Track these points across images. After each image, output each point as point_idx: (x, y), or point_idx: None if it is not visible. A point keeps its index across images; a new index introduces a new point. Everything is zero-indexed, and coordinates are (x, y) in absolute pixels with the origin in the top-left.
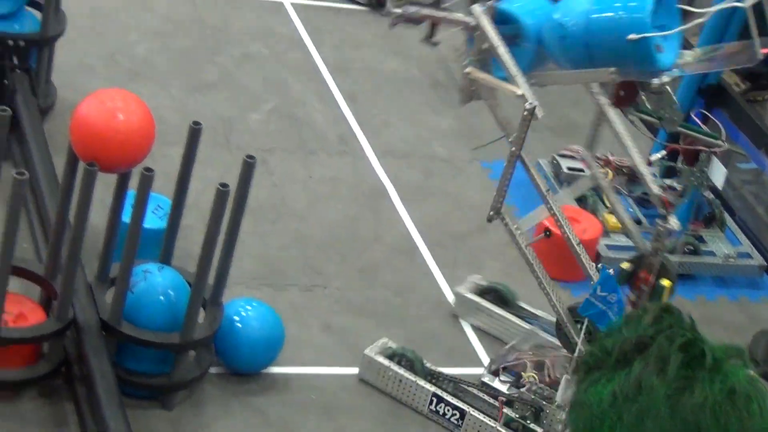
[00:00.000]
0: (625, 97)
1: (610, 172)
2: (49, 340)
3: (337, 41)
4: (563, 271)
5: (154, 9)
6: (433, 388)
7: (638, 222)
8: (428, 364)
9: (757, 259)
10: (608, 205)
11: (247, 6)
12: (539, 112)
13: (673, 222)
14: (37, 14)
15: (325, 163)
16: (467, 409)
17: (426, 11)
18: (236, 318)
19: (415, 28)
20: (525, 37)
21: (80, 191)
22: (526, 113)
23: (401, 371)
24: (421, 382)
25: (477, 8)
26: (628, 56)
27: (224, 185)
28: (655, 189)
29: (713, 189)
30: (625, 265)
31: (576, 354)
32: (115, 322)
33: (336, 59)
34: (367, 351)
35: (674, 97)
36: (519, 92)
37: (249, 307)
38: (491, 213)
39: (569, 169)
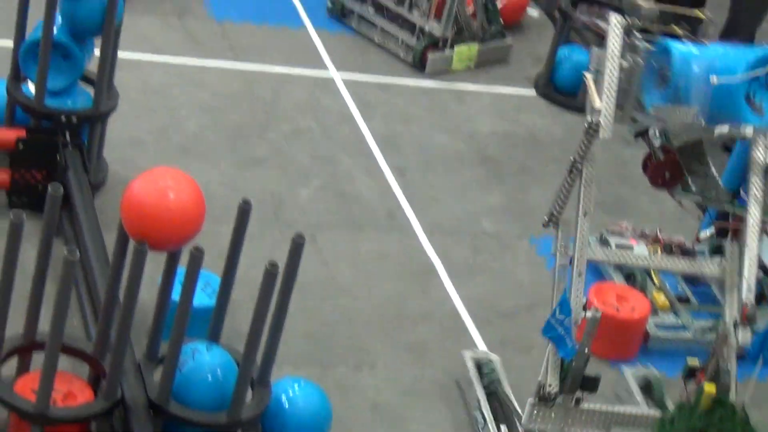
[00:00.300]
0: (671, 179)
1: (659, 249)
2: (97, 419)
3: (386, 116)
4: (610, 349)
5: (205, 85)
6: None
7: (686, 300)
8: None
9: None
10: (656, 282)
11: (297, 81)
12: (603, 132)
13: (744, 337)
14: (90, 90)
15: (374, 239)
16: None
17: None
18: (283, 398)
19: (464, 105)
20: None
21: (130, 270)
22: (587, 126)
23: None
24: None
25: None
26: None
27: (273, 265)
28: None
29: (763, 267)
30: (692, 363)
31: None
32: (163, 402)
33: (385, 134)
34: None
35: (719, 179)
36: (597, 105)
37: (296, 387)
38: (546, 218)
39: (618, 246)
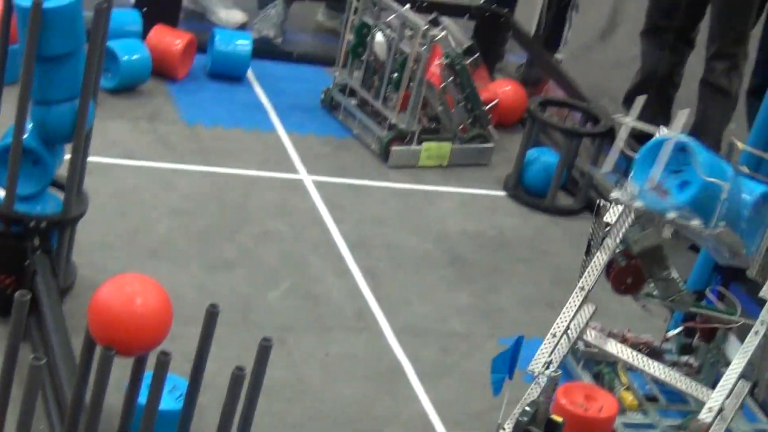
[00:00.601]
0: (633, 284)
1: (627, 348)
2: None
3: (356, 218)
4: None
5: (176, 188)
6: None
7: (654, 399)
8: None
9: None
10: (625, 382)
11: (268, 184)
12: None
13: None
14: (60, 195)
15: (343, 341)
16: None
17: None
18: None
19: (434, 206)
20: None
21: (96, 375)
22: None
23: None
24: None
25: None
26: None
27: (240, 369)
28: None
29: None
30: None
31: None
32: None
33: (354, 235)
34: None
35: (680, 282)
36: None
37: None
38: None
39: (586, 346)
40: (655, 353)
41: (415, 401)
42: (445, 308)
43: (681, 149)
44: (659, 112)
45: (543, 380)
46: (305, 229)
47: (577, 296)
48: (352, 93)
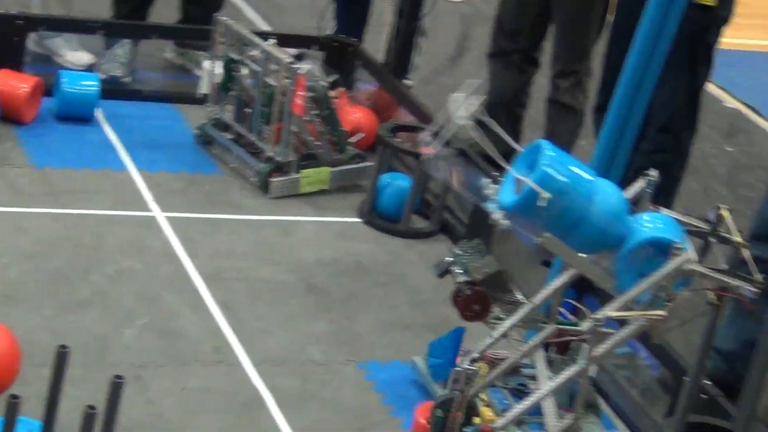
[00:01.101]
0: (482, 311)
1: (483, 365)
2: None
3: (211, 252)
4: None
5: (26, 231)
6: None
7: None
8: None
9: None
10: (484, 398)
11: (120, 223)
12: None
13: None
14: None
15: (201, 375)
16: None
17: None
18: None
19: (289, 236)
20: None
21: None
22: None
23: None
24: None
25: None
26: None
27: (92, 407)
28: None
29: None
30: (439, 413)
31: None
32: None
33: (209, 270)
34: None
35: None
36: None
37: None
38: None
39: None
40: (512, 369)
41: (276, 431)
42: (303, 337)
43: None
44: (510, 132)
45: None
46: (160, 265)
47: (525, 309)
48: (226, 128)
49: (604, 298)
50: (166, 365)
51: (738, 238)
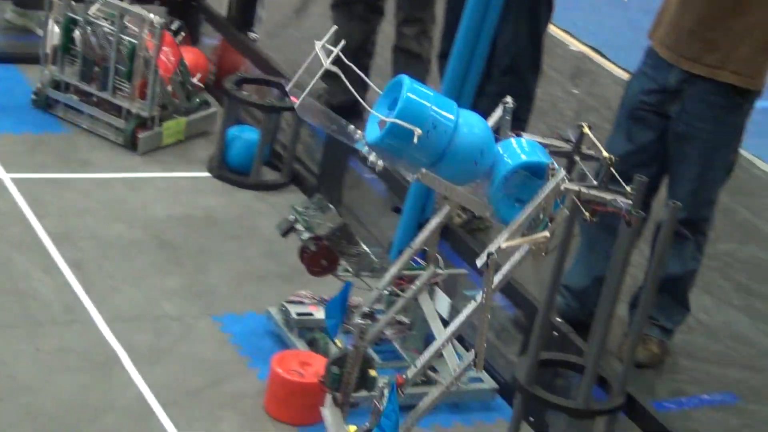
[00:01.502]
0: (329, 265)
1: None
2: None
3: (59, 211)
4: (297, 415)
5: None
6: None
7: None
8: None
9: (489, 383)
10: (339, 345)
11: None
12: None
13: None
14: None
15: (54, 335)
16: None
17: None
18: None
19: (139, 193)
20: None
21: None
22: None
23: None
24: None
25: None
26: None
27: None
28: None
29: (441, 319)
30: (335, 369)
31: None
32: None
33: (59, 229)
34: None
35: (373, 257)
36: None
37: None
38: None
39: (298, 314)
40: (367, 315)
41: (132, 387)
42: (156, 293)
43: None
44: (356, 82)
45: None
46: (7, 227)
47: (406, 254)
48: (68, 89)
49: (455, 242)
50: (18, 327)
51: (605, 153)
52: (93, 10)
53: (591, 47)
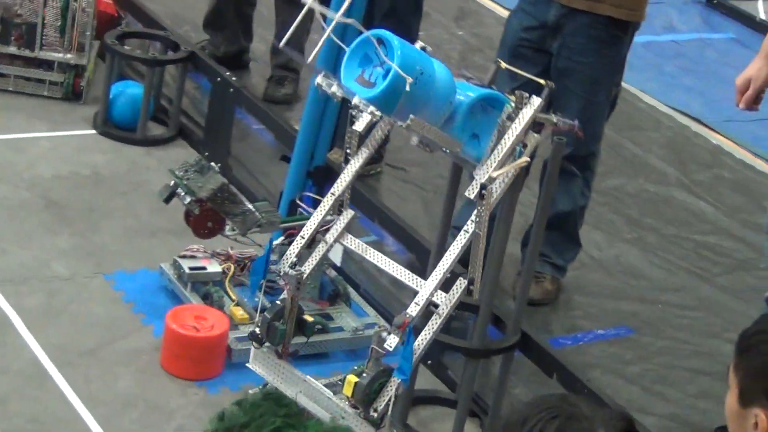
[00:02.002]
0: (214, 226)
1: (232, 266)
2: None
3: None
4: (194, 370)
5: None
6: None
7: (265, 310)
8: None
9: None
10: (234, 298)
11: None
12: None
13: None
14: None
15: None
16: None
17: None
18: None
19: (24, 153)
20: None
21: None
22: None
23: None
24: None
25: None
26: None
27: None
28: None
29: (334, 266)
30: (280, 324)
31: None
32: None
33: None
34: None
35: (258, 214)
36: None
37: None
38: None
39: (191, 269)
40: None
41: (26, 349)
42: (45, 253)
43: (380, 41)
44: (240, 31)
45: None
46: None
47: (327, 200)
48: None
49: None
50: None
51: (541, 81)
52: None
53: None
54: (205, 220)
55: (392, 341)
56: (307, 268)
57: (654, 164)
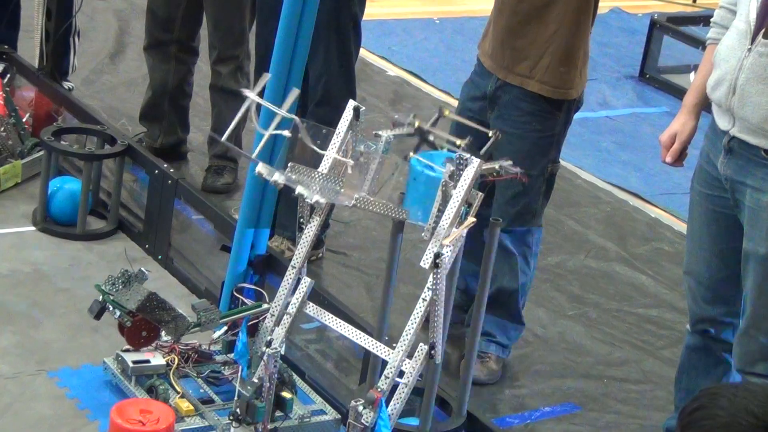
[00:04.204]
0: (149, 335)
1: (176, 357)
2: None
3: None
4: None
5: None
6: None
7: (210, 401)
8: None
9: (331, 414)
10: (179, 390)
11: None
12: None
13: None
14: None
15: None
16: None
17: None
18: None
19: None
20: None
21: None
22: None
23: None
24: None
25: None
26: None
27: None
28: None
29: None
30: (259, 403)
31: None
32: None
33: None
34: None
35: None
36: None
37: None
38: None
39: (134, 362)
40: (204, 356)
41: None
42: None
43: None
44: (176, 122)
45: (267, 358)
46: None
47: (290, 275)
48: None
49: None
50: None
51: (487, 130)
52: None
53: (409, 71)
54: (139, 330)
55: (368, 416)
56: (281, 345)
57: (594, 240)
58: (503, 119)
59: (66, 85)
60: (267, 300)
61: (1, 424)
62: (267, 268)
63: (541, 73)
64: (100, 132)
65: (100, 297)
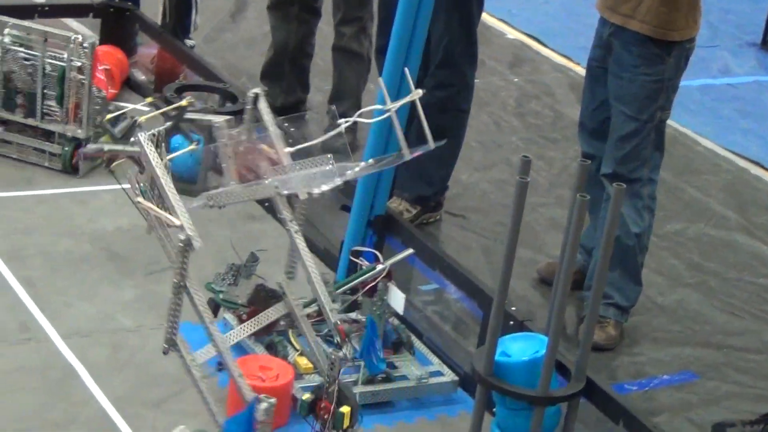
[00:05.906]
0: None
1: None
2: None
3: (5, 230)
4: None
5: None
6: None
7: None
8: None
9: (449, 376)
10: (298, 348)
11: None
12: (195, 243)
13: (347, 351)
14: None
15: (10, 354)
16: None
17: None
18: None
19: (85, 206)
20: None
21: None
22: (181, 245)
23: None
24: None
25: (141, 136)
26: None
27: None
28: (333, 319)
29: (397, 315)
30: (306, 396)
31: None
32: None
33: (6, 247)
34: None
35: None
36: (177, 223)
37: None
38: (165, 346)
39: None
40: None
41: (93, 401)
42: (110, 306)
43: None
44: (297, 83)
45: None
46: None
47: None
48: None
49: (404, 236)
50: None
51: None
52: (6, 38)
53: (528, 35)
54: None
55: None
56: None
57: (714, 208)
58: (616, 64)
59: (187, 42)
60: (382, 261)
61: (123, 375)
62: (386, 229)
63: (642, 13)
64: (222, 90)
65: (211, 296)
